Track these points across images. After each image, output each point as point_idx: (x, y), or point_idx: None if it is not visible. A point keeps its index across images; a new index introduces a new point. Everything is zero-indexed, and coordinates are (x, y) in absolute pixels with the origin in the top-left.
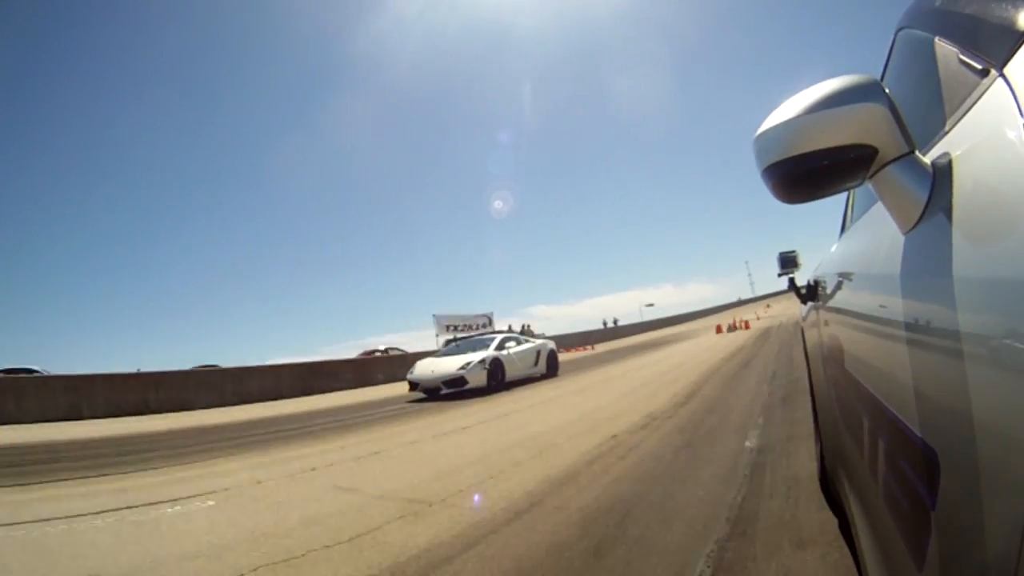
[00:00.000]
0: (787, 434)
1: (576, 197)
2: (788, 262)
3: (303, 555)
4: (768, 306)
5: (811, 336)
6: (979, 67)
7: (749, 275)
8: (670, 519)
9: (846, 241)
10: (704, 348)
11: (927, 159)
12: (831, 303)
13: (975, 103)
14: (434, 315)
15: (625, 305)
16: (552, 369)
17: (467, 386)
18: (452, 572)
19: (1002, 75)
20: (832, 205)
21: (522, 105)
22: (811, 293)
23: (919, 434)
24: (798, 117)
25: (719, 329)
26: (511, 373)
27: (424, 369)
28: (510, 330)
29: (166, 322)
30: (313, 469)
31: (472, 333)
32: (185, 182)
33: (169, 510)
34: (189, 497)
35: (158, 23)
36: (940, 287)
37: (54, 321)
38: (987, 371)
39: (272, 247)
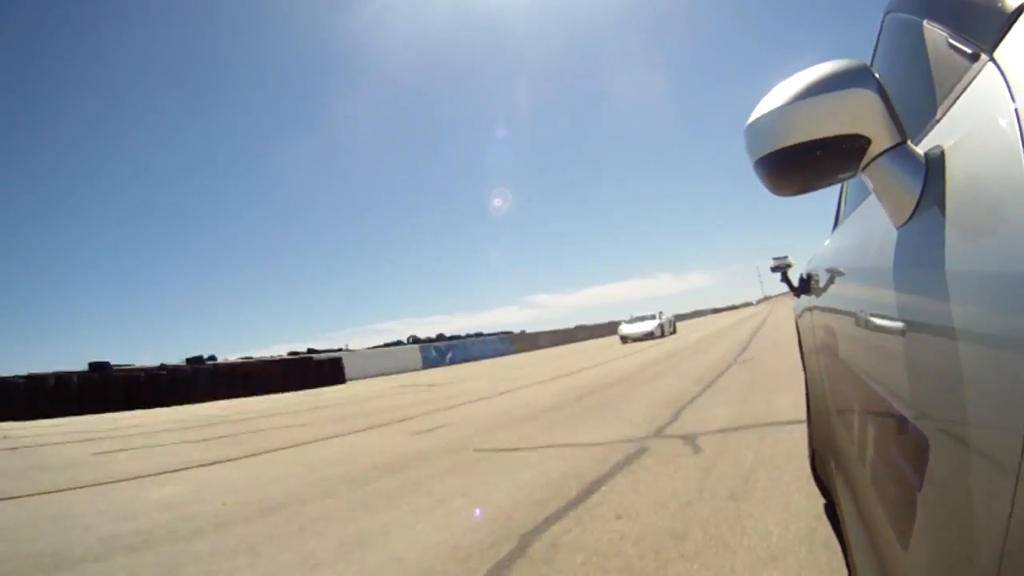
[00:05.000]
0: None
1: (572, 190)
2: (780, 260)
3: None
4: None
5: (805, 328)
6: (969, 51)
7: (759, 276)
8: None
9: (839, 235)
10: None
11: (920, 149)
12: (825, 296)
13: (966, 89)
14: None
15: (623, 295)
16: (676, 331)
17: (654, 337)
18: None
19: (992, 59)
20: (829, 203)
21: (521, 96)
22: (803, 286)
23: (911, 422)
24: (788, 105)
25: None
26: (665, 332)
27: (629, 328)
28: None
29: (135, 316)
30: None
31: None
32: (164, 181)
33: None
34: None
35: (162, 18)
36: (934, 280)
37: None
38: (980, 363)
39: (260, 237)
